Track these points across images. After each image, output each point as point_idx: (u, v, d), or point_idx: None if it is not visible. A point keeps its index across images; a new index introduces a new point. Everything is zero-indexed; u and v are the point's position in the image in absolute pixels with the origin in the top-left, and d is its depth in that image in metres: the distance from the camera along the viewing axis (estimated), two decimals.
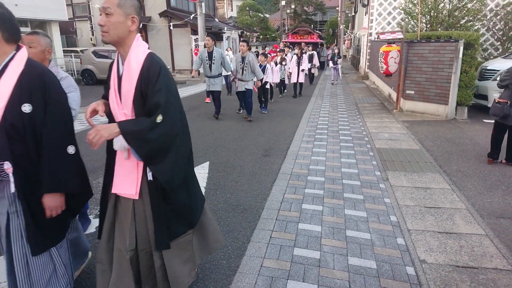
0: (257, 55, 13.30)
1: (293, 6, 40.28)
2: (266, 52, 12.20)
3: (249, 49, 13.01)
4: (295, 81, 11.85)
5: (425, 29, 10.74)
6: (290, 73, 11.91)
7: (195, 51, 17.47)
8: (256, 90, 8.53)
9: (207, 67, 7.98)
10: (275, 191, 4.16)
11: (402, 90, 8.71)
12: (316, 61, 14.90)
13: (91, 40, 21.12)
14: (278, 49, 14.73)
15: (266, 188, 4.29)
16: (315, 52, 15.13)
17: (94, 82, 14.91)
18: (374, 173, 4.70)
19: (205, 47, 8.39)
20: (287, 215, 3.58)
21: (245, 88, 8.06)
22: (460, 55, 7.31)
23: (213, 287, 2.55)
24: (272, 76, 9.90)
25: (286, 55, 12.54)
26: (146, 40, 20.19)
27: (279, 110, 9.48)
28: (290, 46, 18.02)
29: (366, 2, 17.41)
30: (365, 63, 17.66)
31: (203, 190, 4.24)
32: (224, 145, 6.12)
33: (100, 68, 14.70)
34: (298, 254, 2.90)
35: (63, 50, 17.40)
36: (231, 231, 3.33)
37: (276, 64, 11.01)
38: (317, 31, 28.51)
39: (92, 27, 21.05)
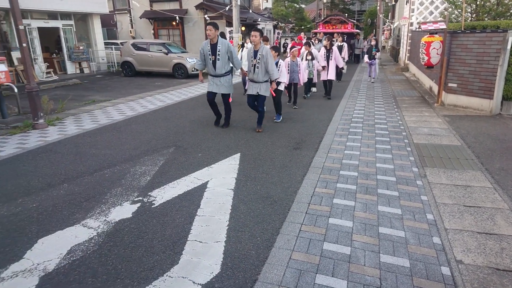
0: (285, 49, 12.50)
1: None
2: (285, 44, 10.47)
3: (265, 40, 11.40)
4: (325, 79, 10.05)
5: (470, 19, 10.15)
6: (323, 67, 9.95)
7: (230, 42, 17.55)
8: (274, 94, 6.83)
9: (210, 63, 6.35)
10: (306, 185, 4.12)
11: (444, 83, 8.31)
12: (345, 54, 13.20)
13: (131, 32, 21.72)
14: (303, 41, 12.93)
15: (296, 181, 4.26)
16: (345, 44, 13.51)
17: (133, 73, 15.37)
18: (411, 169, 4.54)
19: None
20: (318, 209, 3.54)
21: (257, 92, 6.30)
22: (509, 47, 6.84)
23: (242, 277, 2.58)
24: (300, 76, 8.49)
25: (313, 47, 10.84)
26: (182, 32, 20.55)
27: (311, 104, 9.35)
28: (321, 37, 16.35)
29: None
30: (405, 55, 16.98)
31: (233, 181, 4.29)
32: (255, 137, 6.13)
33: (139, 60, 15.12)
34: (327, 249, 2.87)
35: (104, 42, 18.07)
36: (260, 222, 3.34)
37: (302, 59, 9.46)
38: (352, 20, 24.55)
39: (131, 20, 21.64)
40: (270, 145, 5.68)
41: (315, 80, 10.14)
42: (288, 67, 8.27)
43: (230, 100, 6.67)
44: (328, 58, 10.01)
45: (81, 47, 16.21)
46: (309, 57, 9.57)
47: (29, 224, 3.36)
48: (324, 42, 10.25)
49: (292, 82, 8.52)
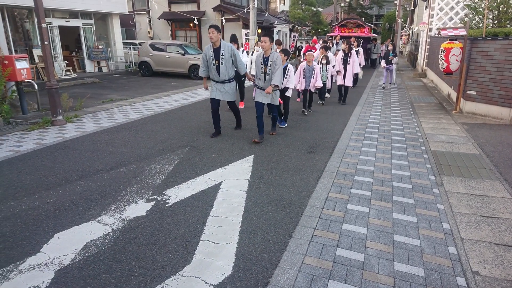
0: (298, 51, 12.12)
1: (347, 0, 39.14)
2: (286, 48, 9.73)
3: (277, 44, 10.55)
4: (341, 83, 9.65)
5: (491, 25, 9.94)
6: (338, 72, 9.66)
7: (245, 45, 17.61)
8: (281, 102, 6.77)
9: (214, 68, 5.91)
10: (319, 189, 4.10)
11: (463, 90, 8.16)
12: (360, 60, 12.66)
13: (149, 33, 22.03)
14: (318, 44, 12.74)
15: (310, 185, 4.24)
16: (360, 49, 13.13)
17: (150, 73, 15.56)
18: (427, 177, 4.47)
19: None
20: (331, 214, 3.51)
21: (268, 101, 5.97)
22: None
23: (254, 279, 2.58)
24: (314, 80, 8.08)
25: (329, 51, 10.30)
26: (199, 34, 20.73)
27: (325, 109, 9.29)
28: (337, 41, 15.96)
29: None
30: (423, 60, 16.75)
31: (246, 183, 4.30)
32: (269, 139, 6.13)
33: (156, 60, 15.30)
34: (340, 255, 2.84)
35: (122, 42, 18.36)
36: (273, 225, 3.34)
37: (317, 63, 9.04)
38: (369, 24, 23.79)
39: (150, 21, 21.94)
40: (283, 148, 5.67)
41: (328, 86, 9.77)
42: (304, 72, 7.98)
43: (243, 105, 6.62)
44: (346, 62, 9.55)
45: (100, 46, 16.52)
46: (324, 61, 9.19)
47: (46, 218, 3.43)
48: (343, 46, 9.74)
49: (307, 88, 8.19)
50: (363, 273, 2.62)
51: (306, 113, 8.22)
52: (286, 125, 7.12)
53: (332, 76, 9.80)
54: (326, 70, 9.30)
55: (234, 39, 8.35)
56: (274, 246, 2.99)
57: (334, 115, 8.20)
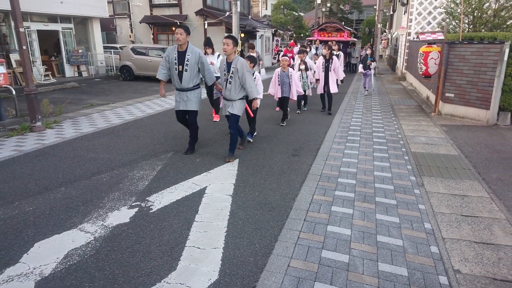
0: (277, 55, 11.23)
1: (328, 5, 39.71)
2: (250, 54, 8.84)
3: (250, 47, 10.32)
4: (322, 92, 8.83)
5: (467, 30, 10.27)
6: (318, 80, 8.84)
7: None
8: (252, 115, 5.94)
9: (175, 74, 5.22)
10: (304, 192, 4.13)
11: (441, 93, 8.38)
12: (341, 64, 11.41)
13: (130, 37, 21.78)
14: (296, 47, 12.05)
15: (294, 188, 4.27)
16: (341, 53, 12.62)
17: (131, 78, 15.37)
18: (408, 178, 4.56)
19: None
20: (316, 216, 3.54)
21: (229, 112, 5.24)
22: (505, 58, 6.93)
23: (240, 284, 2.57)
24: (294, 88, 7.42)
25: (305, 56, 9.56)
26: None
27: (307, 115, 9.38)
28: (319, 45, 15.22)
29: (405, 1, 16.86)
30: (403, 64, 17.12)
31: (232, 187, 4.29)
32: (254, 143, 6.14)
33: (137, 64, 15.13)
34: (326, 257, 2.86)
35: (103, 46, 18.09)
36: (258, 228, 3.33)
37: (293, 68, 8.64)
38: (349, 28, 23.51)
39: (131, 25, 21.69)
40: (268, 152, 5.68)
41: (309, 93, 9.06)
42: (278, 78, 7.43)
43: (218, 118, 6.26)
44: (327, 69, 8.65)
45: (80, 51, 16.22)
46: (303, 67, 8.61)
47: (26, 227, 3.34)
48: (324, 51, 8.72)
49: (283, 95, 7.48)
50: (348, 274, 2.65)
51: (282, 124, 7.53)
52: (255, 133, 6.53)
53: (318, 80, 8.99)
54: (306, 77, 8.76)
55: (208, 44, 7.83)
56: (260, 250, 2.99)
57: (316, 120, 8.28)
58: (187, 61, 5.16)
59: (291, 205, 3.80)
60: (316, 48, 15.14)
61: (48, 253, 2.93)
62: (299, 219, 3.47)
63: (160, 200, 3.92)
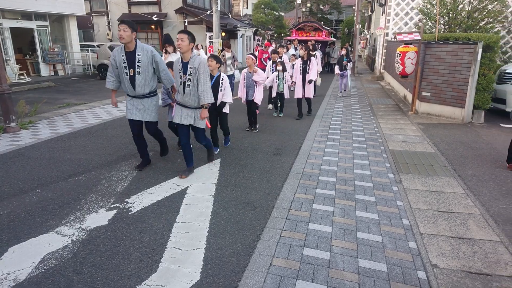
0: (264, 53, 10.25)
1: (308, 5, 40.01)
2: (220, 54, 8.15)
3: (226, 46, 10.33)
4: (300, 96, 8.18)
5: (443, 30, 10.55)
6: (293, 83, 8.25)
7: (209, 48, 17.52)
8: (209, 126, 5.37)
9: (127, 79, 4.39)
10: (286, 190, 4.14)
11: (418, 92, 8.58)
12: (318, 65, 11.22)
13: (108, 35, 21.36)
14: (271, 47, 11.37)
15: (276, 187, 4.28)
16: (318, 53, 11.90)
17: None
18: (387, 175, 4.65)
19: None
20: (298, 214, 3.56)
21: (191, 123, 4.46)
22: (479, 58, 7.16)
23: (222, 284, 2.56)
24: (255, 91, 6.60)
25: (281, 57, 9.07)
26: (161, 36, 20.36)
27: (286, 117, 9.42)
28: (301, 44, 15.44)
29: (383, 2, 17.17)
30: (381, 64, 17.44)
31: (214, 187, 4.26)
32: (235, 143, 6.12)
33: None
34: (307, 254, 2.88)
35: (80, 44, 17.66)
36: (241, 228, 3.33)
37: (270, 69, 8.28)
38: (327, 28, 22.65)
39: (109, 23, 21.27)
40: (250, 151, 5.68)
41: (286, 95, 8.20)
42: (245, 80, 6.70)
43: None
44: (305, 71, 8.01)
45: (56, 49, 15.79)
46: (280, 68, 7.94)
47: (0, 231, 3.22)
48: (301, 52, 8.04)
49: (248, 99, 6.75)
50: (329, 271, 2.67)
51: (255, 130, 6.94)
52: (229, 142, 6.01)
53: (294, 83, 8.26)
54: (283, 78, 8.02)
55: (168, 41, 6.85)
56: (243, 250, 2.98)
57: (296, 120, 8.31)
58: (138, 62, 4.33)
59: (273, 203, 3.82)
60: (295, 48, 14.81)
61: (24, 257, 2.83)
62: (281, 218, 3.49)
63: (140, 201, 3.86)
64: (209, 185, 4.31)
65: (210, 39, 17.36)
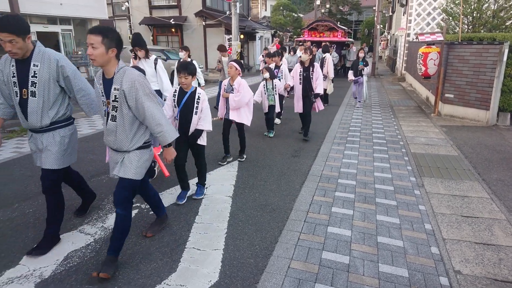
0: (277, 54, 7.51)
1: (328, 6, 39.79)
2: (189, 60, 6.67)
3: (222, 50, 8.34)
4: (300, 111, 6.49)
5: (466, 30, 10.29)
6: (290, 89, 6.77)
7: (228, 50, 17.62)
8: (167, 175, 3.40)
9: (16, 103, 2.88)
10: (304, 193, 4.12)
11: (441, 94, 8.38)
12: (330, 70, 9.24)
13: (129, 38, 21.78)
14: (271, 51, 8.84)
15: (294, 189, 4.26)
16: (328, 56, 9.56)
17: None
18: (408, 178, 4.55)
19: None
20: (316, 217, 3.53)
21: (116, 175, 2.73)
22: (505, 58, 6.93)
23: (241, 285, 2.56)
24: (240, 110, 5.06)
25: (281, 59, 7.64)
26: (181, 39, 20.64)
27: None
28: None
29: (404, 2, 16.89)
30: (402, 65, 17.14)
31: (231, 188, 4.28)
32: (253, 145, 6.13)
33: None
34: (326, 258, 2.86)
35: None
36: (259, 230, 3.33)
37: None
38: (343, 27, 19.65)
39: (130, 26, 21.71)
40: (268, 153, 5.68)
41: (278, 109, 6.74)
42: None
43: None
44: (306, 80, 6.22)
45: (79, 52, 16.23)
46: (266, 75, 6.40)
47: (26, 229, 3.33)
48: (303, 56, 6.19)
49: (228, 118, 5.11)
50: (349, 276, 2.64)
51: (240, 159, 5.33)
52: (205, 191, 4.19)
53: (291, 88, 6.67)
54: (272, 88, 6.49)
55: (138, 42, 5.20)
56: (261, 252, 2.98)
57: (318, 120, 8.23)
58: (33, 77, 2.78)
59: (291, 206, 3.80)
60: (295, 51, 11.70)
61: (48, 255, 2.92)
62: (299, 220, 3.47)
63: None
64: (227, 187, 4.33)
65: (228, 41, 17.47)
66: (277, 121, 7.82)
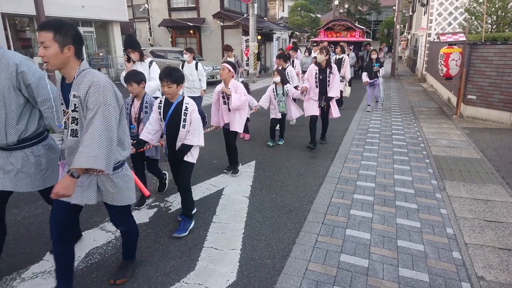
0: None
1: (346, 6, 39.44)
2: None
3: (227, 50, 8.01)
4: (314, 114, 5.83)
5: (490, 30, 10.01)
6: (304, 90, 5.71)
7: (246, 51, 17.69)
8: (147, 194, 3.03)
9: None
10: (322, 194, 4.09)
11: (463, 95, 8.18)
12: (347, 72, 8.86)
13: (149, 40, 22.14)
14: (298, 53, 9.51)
15: (312, 190, 4.24)
16: (345, 57, 8.93)
17: None
18: (430, 181, 4.46)
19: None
20: (334, 219, 3.50)
21: (88, 202, 2.30)
22: None
23: (258, 285, 2.56)
24: (233, 116, 4.59)
25: (293, 60, 7.40)
26: (199, 41, 20.83)
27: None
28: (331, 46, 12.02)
29: (425, 2, 16.57)
30: (423, 65, 16.81)
31: (249, 188, 4.29)
32: (270, 146, 6.12)
33: None
34: (345, 261, 2.83)
35: (123, 49, 18.43)
36: (276, 231, 3.33)
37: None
38: (361, 27, 18.68)
39: (150, 28, 22.06)
40: (285, 154, 5.66)
41: (290, 117, 6.38)
42: (218, 100, 4.66)
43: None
44: (322, 83, 5.69)
45: (100, 54, 16.58)
46: (277, 78, 5.88)
47: (49, 226, 3.42)
48: (319, 57, 5.63)
49: (224, 126, 4.73)
50: (368, 279, 2.61)
51: (234, 175, 4.75)
52: (190, 227, 3.37)
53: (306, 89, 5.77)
54: (283, 93, 5.97)
55: (131, 44, 4.79)
56: (278, 253, 2.98)
57: (335, 121, 8.09)
58: None
59: (309, 207, 3.78)
60: (310, 52, 11.22)
61: None
62: (317, 222, 3.45)
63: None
64: (244, 187, 4.35)
65: (246, 42, 17.53)
66: (292, 122, 7.62)
